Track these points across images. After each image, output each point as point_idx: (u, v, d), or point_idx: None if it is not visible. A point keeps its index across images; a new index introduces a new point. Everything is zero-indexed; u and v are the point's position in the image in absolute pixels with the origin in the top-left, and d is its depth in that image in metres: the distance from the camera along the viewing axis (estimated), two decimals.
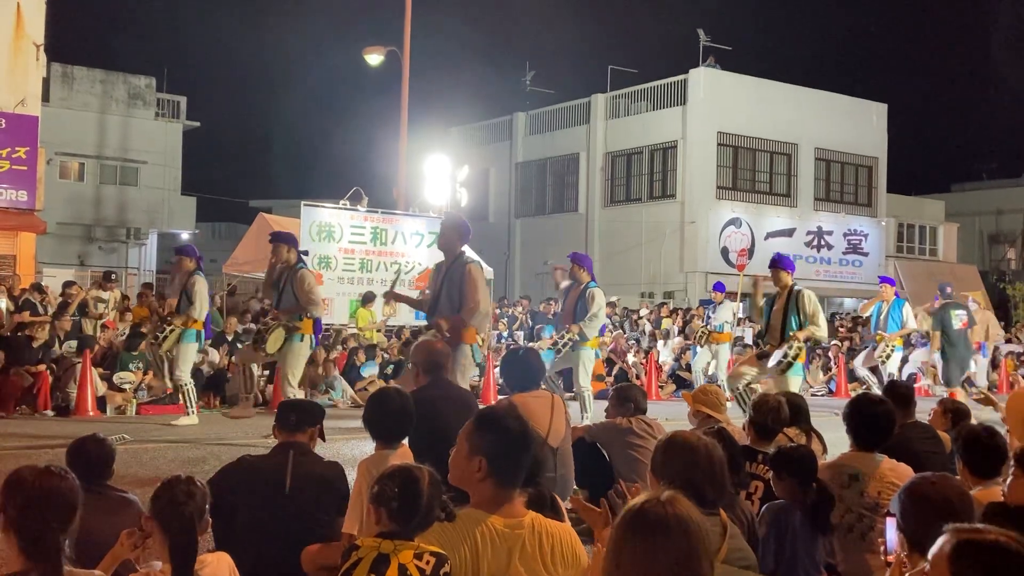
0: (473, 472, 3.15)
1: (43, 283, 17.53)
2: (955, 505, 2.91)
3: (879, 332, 14.06)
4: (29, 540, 2.88)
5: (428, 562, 2.87)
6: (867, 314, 14.93)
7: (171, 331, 10.97)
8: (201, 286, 11.20)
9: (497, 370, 14.32)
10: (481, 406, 5.30)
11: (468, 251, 8.45)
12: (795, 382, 9.62)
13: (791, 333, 9.80)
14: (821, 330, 10.03)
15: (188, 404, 11.21)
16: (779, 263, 10.36)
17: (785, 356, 9.69)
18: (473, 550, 3.02)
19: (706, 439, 3.53)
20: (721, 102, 29.28)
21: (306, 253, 11.07)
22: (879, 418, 4.63)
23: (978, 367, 16.39)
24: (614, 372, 17.70)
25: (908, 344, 18.52)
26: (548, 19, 60.80)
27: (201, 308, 11.12)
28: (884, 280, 14.67)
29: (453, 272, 7.96)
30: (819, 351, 20.36)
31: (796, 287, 10.15)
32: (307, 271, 10.15)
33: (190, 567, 3.16)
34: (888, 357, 13.78)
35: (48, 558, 2.86)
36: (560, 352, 10.96)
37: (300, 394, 9.97)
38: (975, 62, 79.57)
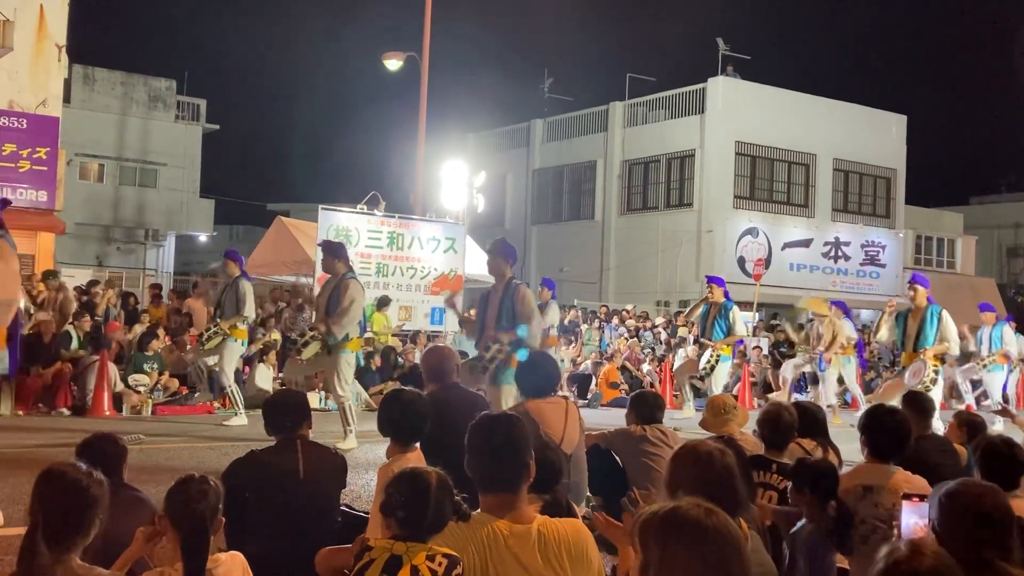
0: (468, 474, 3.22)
1: (63, 283, 17.61)
2: (994, 518, 2.83)
3: (704, 339, 12.64)
4: (49, 535, 2.90)
5: (440, 564, 2.87)
6: (694, 318, 13.35)
7: None
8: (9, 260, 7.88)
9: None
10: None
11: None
12: (507, 392, 7.88)
13: (494, 333, 8.13)
14: (532, 338, 8.17)
15: None
16: (498, 251, 8.47)
17: (479, 360, 8.03)
18: (481, 553, 3.03)
19: (717, 447, 3.51)
20: (739, 111, 29.23)
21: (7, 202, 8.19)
22: (894, 430, 4.60)
23: (823, 381, 15.05)
24: (630, 381, 17.69)
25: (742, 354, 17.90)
26: (567, 26, 60.87)
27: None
28: (712, 280, 13.07)
29: None
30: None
31: (515, 281, 8.36)
32: None
33: (202, 566, 3.17)
34: (712, 368, 12.25)
35: (37, 554, 2.87)
36: (300, 353, 9.50)
37: None
38: (995, 75, 79.23)
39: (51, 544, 2.90)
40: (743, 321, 12.88)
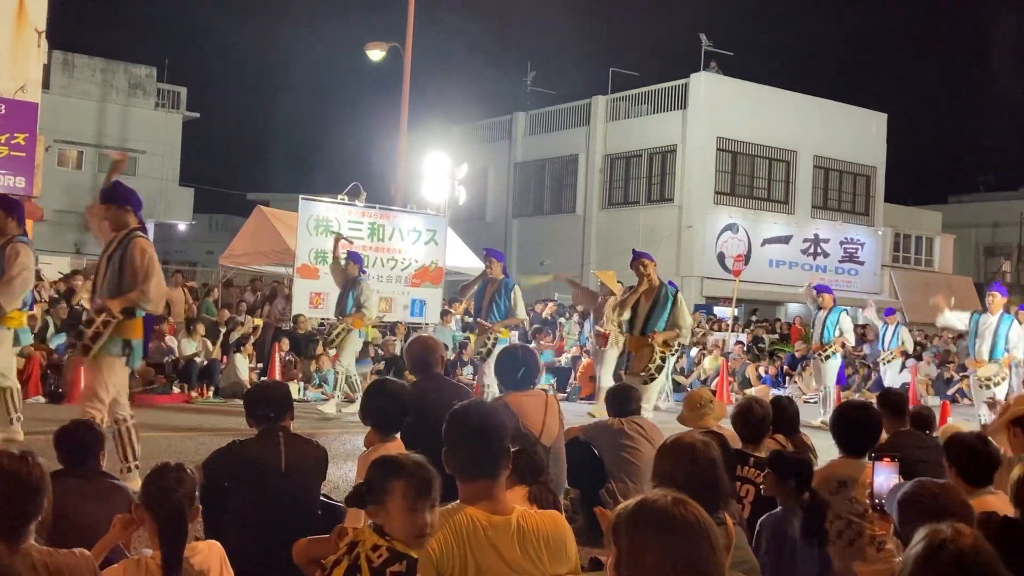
0: (445, 463, 3.21)
1: (39, 270, 17.54)
2: (954, 517, 2.87)
3: (480, 320, 11.32)
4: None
5: (380, 556, 2.85)
6: (469, 296, 11.88)
7: None
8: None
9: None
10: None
11: None
12: (110, 365, 6.56)
13: (100, 300, 6.70)
14: (153, 303, 6.72)
15: None
16: (116, 195, 7.05)
17: (78, 335, 6.62)
18: (460, 540, 3.03)
19: (701, 440, 3.52)
20: (721, 107, 29.30)
21: None
22: (864, 424, 4.65)
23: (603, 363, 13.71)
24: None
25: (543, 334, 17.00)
26: (550, 20, 60.77)
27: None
28: (490, 253, 11.64)
29: None
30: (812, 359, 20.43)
31: (135, 232, 6.83)
32: None
33: (180, 554, 3.16)
34: (489, 352, 10.77)
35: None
36: None
37: None
38: (975, 75, 79.73)
39: (3, 536, 2.85)
40: (521, 302, 11.34)
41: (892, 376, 17.50)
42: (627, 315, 9.63)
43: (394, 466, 3.00)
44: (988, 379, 11.12)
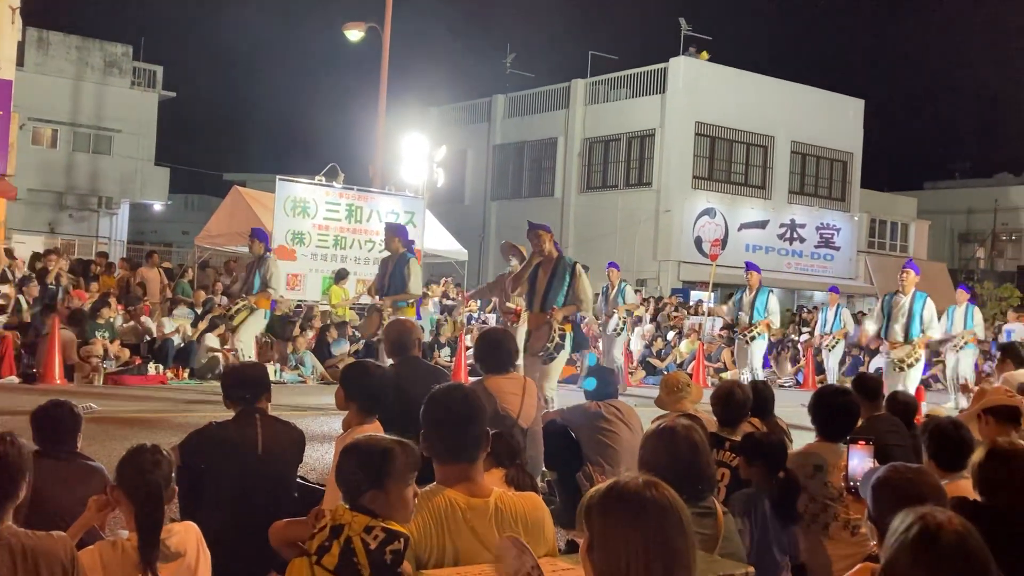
0: (423, 446, 3.21)
1: (11, 249, 17.39)
2: (928, 501, 2.88)
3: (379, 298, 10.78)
4: None
5: (376, 537, 2.84)
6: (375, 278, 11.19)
7: None
8: None
9: (469, 351, 14.32)
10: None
11: None
12: None
13: None
14: None
15: None
16: None
17: None
18: (438, 523, 3.03)
19: (683, 424, 3.52)
20: (700, 92, 29.32)
21: None
22: (842, 409, 4.67)
23: None
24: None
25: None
26: (530, 2, 60.61)
27: None
28: (389, 228, 11.11)
29: None
30: (788, 344, 20.59)
31: None
32: None
33: (156, 536, 3.14)
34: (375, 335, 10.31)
35: None
36: None
37: None
38: (951, 62, 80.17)
39: None
40: (419, 275, 10.65)
41: (835, 361, 17.21)
42: (522, 289, 9.10)
43: (385, 451, 2.99)
44: (901, 361, 10.76)
